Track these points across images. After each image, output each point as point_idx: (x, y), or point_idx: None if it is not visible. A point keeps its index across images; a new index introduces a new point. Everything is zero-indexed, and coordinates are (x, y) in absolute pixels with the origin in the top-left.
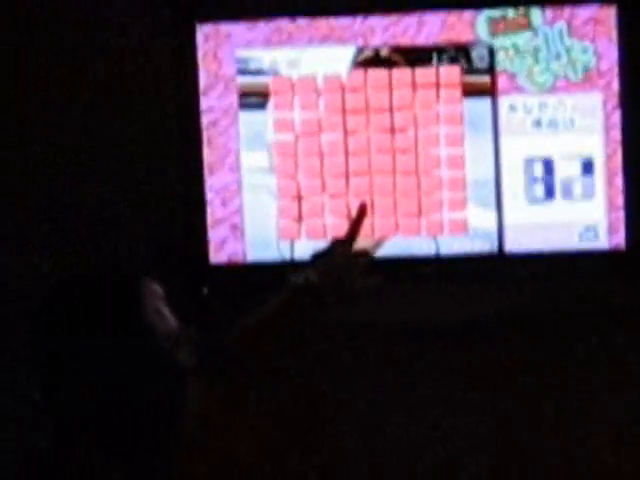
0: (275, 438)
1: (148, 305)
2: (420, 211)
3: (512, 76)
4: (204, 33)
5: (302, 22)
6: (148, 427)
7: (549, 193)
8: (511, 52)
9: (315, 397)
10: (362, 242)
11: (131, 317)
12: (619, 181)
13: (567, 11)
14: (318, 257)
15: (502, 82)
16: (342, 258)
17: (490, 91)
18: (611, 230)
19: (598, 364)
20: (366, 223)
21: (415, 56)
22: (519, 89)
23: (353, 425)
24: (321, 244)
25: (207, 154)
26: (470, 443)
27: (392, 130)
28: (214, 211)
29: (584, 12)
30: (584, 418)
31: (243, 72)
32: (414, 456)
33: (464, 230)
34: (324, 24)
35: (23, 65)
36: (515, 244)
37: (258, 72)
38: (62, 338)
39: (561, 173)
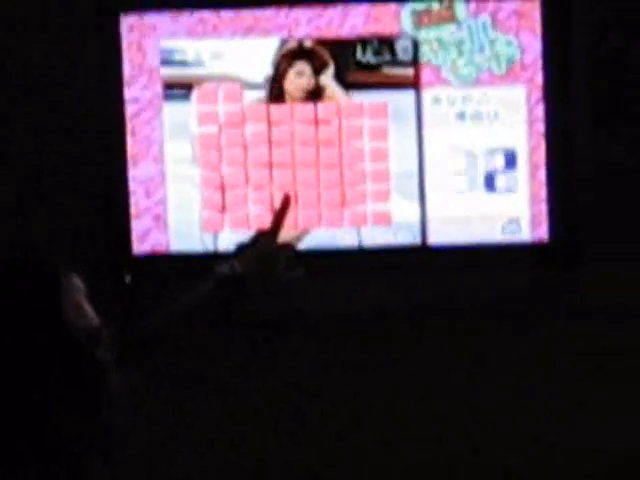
0: (201, 427)
1: (68, 299)
2: (344, 203)
3: (436, 69)
4: (128, 24)
5: (226, 14)
6: (68, 424)
7: (472, 186)
8: (435, 45)
9: (238, 388)
10: (286, 234)
11: (50, 310)
12: (542, 174)
13: (491, 4)
14: (242, 248)
15: (426, 74)
16: (266, 249)
17: (414, 83)
18: (534, 223)
19: (517, 356)
20: (290, 215)
21: (339, 48)
22: (443, 81)
23: (274, 413)
24: (245, 235)
25: (131, 145)
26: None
27: (316, 122)
28: (137, 202)
29: (508, 5)
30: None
31: (167, 63)
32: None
33: (387, 222)
34: (248, 16)
35: None
36: (438, 236)
37: (182, 63)
38: None
39: (484, 166)
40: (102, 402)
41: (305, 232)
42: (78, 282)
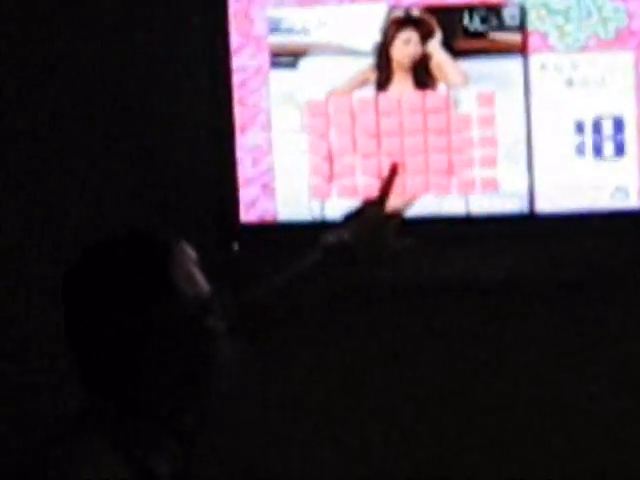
0: (310, 398)
1: (180, 269)
2: (451, 170)
3: (543, 35)
4: None
5: None
6: (180, 391)
7: (580, 152)
8: (542, 11)
9: (348, 358)
10: (393, 201)
11: (163, 281)
12: None
13: None
14: (350, 217)
15: (533, 41)
16: (374, 218)
17: (521, 50)
18: None
19: (630, 323)
20: (397, 182)
21: (446, 16)
22: (550, 48)
23: (384, 383)
24: (352, 204)
25: (238, 113)
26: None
27: (423, 89)
28: (245, 170)
29: None
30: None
31: (274, 31)
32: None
33: (495, 189)
34: None
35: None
36: (546, 204)
37: (289, 31)
38: (94, 302)
39: (592, 133)
40: (212, 371)
41: (412, 200)
42: (189, 251)
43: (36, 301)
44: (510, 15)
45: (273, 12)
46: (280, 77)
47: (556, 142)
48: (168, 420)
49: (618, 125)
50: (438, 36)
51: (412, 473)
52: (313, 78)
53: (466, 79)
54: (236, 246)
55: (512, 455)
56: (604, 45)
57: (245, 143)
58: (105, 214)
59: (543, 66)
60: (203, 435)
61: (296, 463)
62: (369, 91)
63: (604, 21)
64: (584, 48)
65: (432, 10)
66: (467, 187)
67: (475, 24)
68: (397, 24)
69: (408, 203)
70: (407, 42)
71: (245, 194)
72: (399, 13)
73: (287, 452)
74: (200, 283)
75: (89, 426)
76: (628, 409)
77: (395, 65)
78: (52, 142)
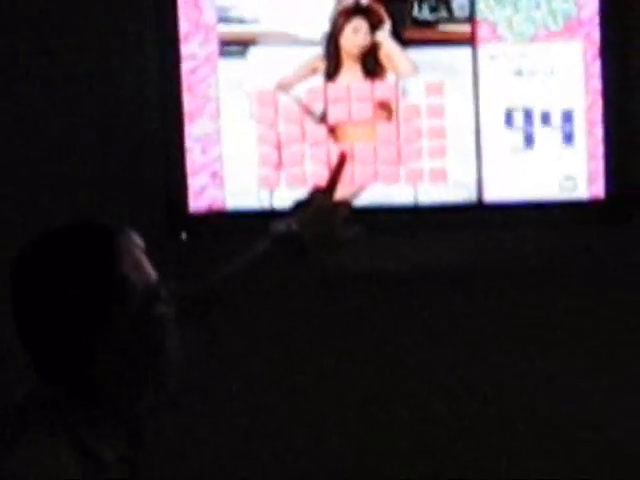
0: (259, 384)
1: (127, 256)
2: (399, 159)
3: (492, 25)
4: None
5: None
6: (130, 378)
7: (529, 142)
8: (491, 1)
9: (295, 347)
10: (342, 190)
11: (110, 268)
12: (599, 131)
13: None
14: (299, 206)
15: (482, 31)
16: (323, 207)
17: (470, 40)
18: (590, 180)
19: (575, 313)
20: (346, 171)
21: (396, 5)
22: (499, 38)
23: (332, 370)
24: (301, 192)
25: (187, 101)
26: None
27: (372, 77)
28: (194, 159)
29: None
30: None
31: (223, 20)
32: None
33: (443, 179)
34: None
35: None
36: (494, 194)
37: (239, 20)
38: (42, 290)
39: (541, 123)
40: (162, 358)
41: (361, 189)
42: (136, 238)
43: None
44: (459, 5)
45: (222, 1)
46: (229, 66)
47: (504, 132)
48: (118, 407)
49: (567, 115)
50: (387, 25)
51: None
52: (262, 67)
53: (415, 69)
54: (184, 235)
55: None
56: (553, 35)
57: (194, 131)
58: (53, 203)
59: (492, 57)
60: (152, 422)
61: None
62: (318, 80)
63: (553, 12)
64: (533, 38)
65: (381, 0)
66: (415, 177)
67: (424, 14)
68: (346, 13)
69: (357, 192)
70: (356, 31)
71: (194, 182)
72: (348, 2)
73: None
74: (147, 271)
75: (37, 412)
76: (578, 395)
77: (344, 54)
78: None
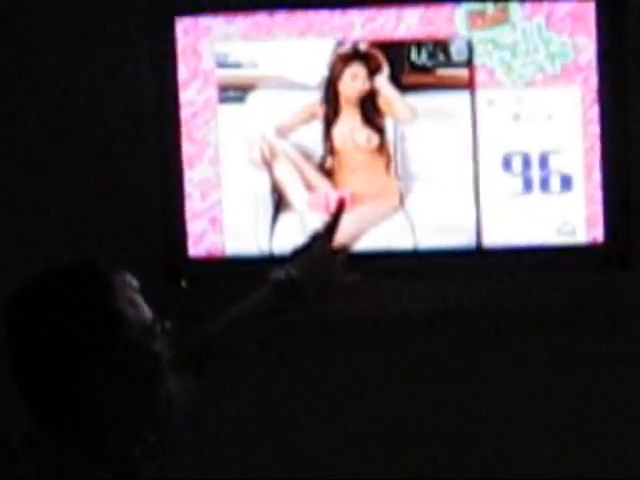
0: (260, 430)
1: (122, 296)
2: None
3: (490, 70)
4: (183, 27)
5: (281, 16)
6: (125, 420)
7: (527, 187)
8: (489, 46)
9: (296, 390)
10: (340, 236)
11: (105, 308)
12: (597, 175)
13: (546, 6)
14: (298, 253)
15: (480, 76)
16: (321, 253)
17: (468, 85)
18: (589, 224)
19: (575, 357)
20: (344, 216)
21: (394, 51)
22: (497, 83)
23: (337, 411)
24: (300, 239)
25: (186, 147)
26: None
27: (371, 123)
28: (193, 204)
29: (563, 7)
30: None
31: (222, 65)
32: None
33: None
34: (303, 18)
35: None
36: (493, 239)
37: (237, 66)
38: (36, 330)
39: (539, 167)
40: (158, 400)
41: (359, 235)
42: (130, 279)
43: None
44: (457, 50)
45: (221, 46)
46: (228, 111)
47: (503, 177)
48: (111, 452)
49: (565, 160)
50: (385, 71)
51: None
52: (261, 112)
53: (414, 114)
54: (184, 282)
55: None
56: (550, 80)
57: (193, 177)
58: (52, 245)
59: (490, 102)
60: (148, 464)
61: None
62: (317, 126)
63: (551, 56)
64: (531, 83)
65: (379, 45)
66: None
67: (422, 59)
68: (344, 59)
69: (355, 238)
70: (355, 77)
71: (193, 228)
72: (346, 48)
73: None
74: (142, 308)
75: (26, 457)
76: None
77: (343, 100)
78: None
